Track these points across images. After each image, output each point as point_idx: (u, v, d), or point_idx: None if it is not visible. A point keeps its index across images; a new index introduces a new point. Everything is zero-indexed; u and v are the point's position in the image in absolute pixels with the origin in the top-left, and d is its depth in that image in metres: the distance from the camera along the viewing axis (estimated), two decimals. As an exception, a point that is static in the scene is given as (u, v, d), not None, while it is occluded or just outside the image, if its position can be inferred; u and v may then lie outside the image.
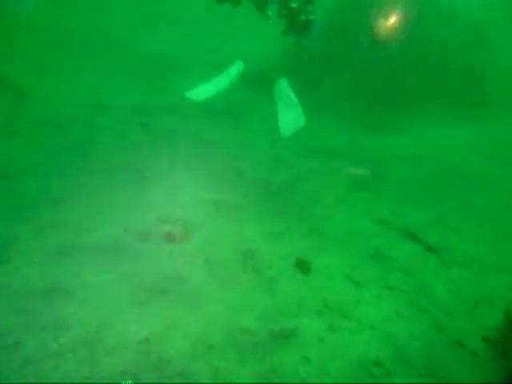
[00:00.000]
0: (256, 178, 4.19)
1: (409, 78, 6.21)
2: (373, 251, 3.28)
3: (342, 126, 5.77)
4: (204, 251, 3.04)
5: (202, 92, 5.34)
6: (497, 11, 6.86)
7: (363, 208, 3.87)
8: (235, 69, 5.53)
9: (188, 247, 3.07)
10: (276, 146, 4.96)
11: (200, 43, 8.73)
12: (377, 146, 5.34)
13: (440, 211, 3.85)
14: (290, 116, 5.02)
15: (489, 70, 6.56)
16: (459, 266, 3.16)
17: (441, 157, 5.04)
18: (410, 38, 6.09)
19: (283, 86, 5.10)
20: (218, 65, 5.89)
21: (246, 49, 7.98)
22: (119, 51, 7.39)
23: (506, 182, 4.33)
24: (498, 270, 3.14)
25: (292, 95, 5.06)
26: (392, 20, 5.88)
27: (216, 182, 3.96)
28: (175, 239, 3.10)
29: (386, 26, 5.90)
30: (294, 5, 4.15)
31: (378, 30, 6.05)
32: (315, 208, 3.82)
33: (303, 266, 2.94)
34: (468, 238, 3.50)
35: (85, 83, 5.93)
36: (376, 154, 5.08)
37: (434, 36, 6.25)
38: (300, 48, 6.00)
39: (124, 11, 8.94)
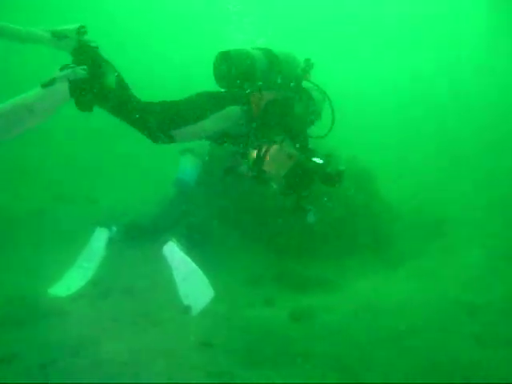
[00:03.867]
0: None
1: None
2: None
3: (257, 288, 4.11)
4: None
5: (68, 284, 3.51)
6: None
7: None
8: (98, 241, 3.79)
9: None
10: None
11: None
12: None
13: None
14: (193, 288, 3.49)
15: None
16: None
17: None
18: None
19: (174, 250, 3.59)
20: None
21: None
22: None
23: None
24: None
25: (186, 259, 3.58)
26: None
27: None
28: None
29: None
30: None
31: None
32: None
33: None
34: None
35: None
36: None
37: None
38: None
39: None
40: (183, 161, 4.93)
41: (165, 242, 3.69)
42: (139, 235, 4.44)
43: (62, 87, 2.38)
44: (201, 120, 3.00)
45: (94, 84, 2.49)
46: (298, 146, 3.31)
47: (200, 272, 3.56)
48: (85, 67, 2.45)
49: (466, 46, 13.03)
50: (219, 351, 2.80)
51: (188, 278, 3.58)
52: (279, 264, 4.62)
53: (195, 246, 3.95)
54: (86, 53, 2.54)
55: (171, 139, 2.95)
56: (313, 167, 3.21)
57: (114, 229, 3.93)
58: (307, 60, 3.42)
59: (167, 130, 2.87)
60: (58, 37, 2.50)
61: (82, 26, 2.56)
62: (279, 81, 3.27)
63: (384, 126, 9.95)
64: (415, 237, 5.09)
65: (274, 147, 3.27)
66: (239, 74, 3.15)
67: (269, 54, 3.31)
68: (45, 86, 2.33)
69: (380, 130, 9.48)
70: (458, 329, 3.07)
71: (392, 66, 13.72)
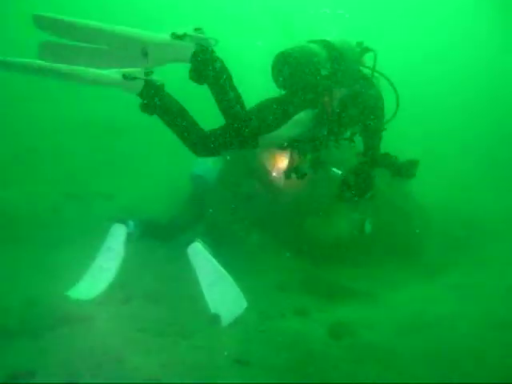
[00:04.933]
0: None
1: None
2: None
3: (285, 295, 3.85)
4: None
5: (89, 287, 3.26)
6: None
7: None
8: (116, 238, 3.49)
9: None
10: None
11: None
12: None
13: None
14: (222, 296, 3.22)
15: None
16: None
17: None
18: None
19: (199, 252, 3.31)
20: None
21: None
22: None
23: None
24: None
25: (215, 264, 3.29)
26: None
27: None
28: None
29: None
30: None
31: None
32: None
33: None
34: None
35: None
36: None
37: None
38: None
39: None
40: (205, 158, 4.66)
41: (189, 243, 3.42)
42: (158, 232, 4.18)
43: (137, 85, 2.57)
44: (278, 127, 2.87)
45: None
46: (370, 143, 3.05)
47: (230, 278, 3.31)
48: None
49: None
50: (256, 370, 2.55)
51: (216, 283, 3.32)
52: (305, 270, 4.38)
53: (218, 247, 3.71)
54: (153, 92, 2.64)
55: (256, 146, 2.86)
56: (382, 161, 2.96)
57: (132, 223, 3.64)
58: (359, 43, 3.14)
59: (256, 136, 2.79)
60: (128, 78, 2.54)
61: (148, 68, 2.65)
62: (342, 72, 2.99)
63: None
64: (449, 245, 4.84)
65: None
66: (304, 73, 2.88)
67: (327, 46, 3.03)
68: (126, 78, 2.49)
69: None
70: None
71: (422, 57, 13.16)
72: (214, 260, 3.34)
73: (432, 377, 2.53)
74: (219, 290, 3.28)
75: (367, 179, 3.06)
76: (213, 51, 2.56)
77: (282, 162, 4.13)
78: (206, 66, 2.53)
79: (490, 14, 12.31)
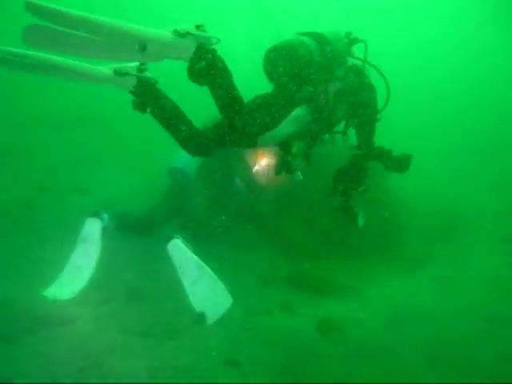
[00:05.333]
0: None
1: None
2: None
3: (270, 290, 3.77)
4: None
5: (67, 286, 3.09)
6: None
7: None
8: (90, 233, 3.29)
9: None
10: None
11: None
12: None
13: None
14: (206, 293, 3.09)
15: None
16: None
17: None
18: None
19: (179, 249, 3.15)
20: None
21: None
22: None
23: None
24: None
25: (197, 261, 3.14)
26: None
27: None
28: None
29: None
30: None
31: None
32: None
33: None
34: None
35: None
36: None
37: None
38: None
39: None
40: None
41: (168, 239, 3.28)
42: (135, 225, 4.01)
43: (129, 82, 2.53)
44: (276, 125, 2.82)
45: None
46: (364, 136, 3.00)
47: (213, 274, 3.20)
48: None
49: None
50: (247, 371, 2.47)
51: (198, 280, 3.21)
52: (288, 264, 4.32)
53: (199, 243, 3.60)
54: (145, 89, 2.59)
55: (255, 144, 2.84)
56: (377, 154, 2.92)
57: (106, 216, 3.47)
58: (348, 34, 3.06)
59: (255, 135, 2.76)
60: (119, 74, 2.50)
61: (142, 63, 2.58)
62: (333, 64, 2.91)
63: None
64: (429, 238, 4.87)
65: None
66: (297, 67, 2.79)
67: (317, 38, 2.94)
68: (117, 74, 2.46)
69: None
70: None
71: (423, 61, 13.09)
72: (194, 256, 3.22)
73: (425, 371, 2.52)
74: (202, 287, 3.17)
75: (361, 172, 3.02)
76: (215, 50, 2.47)
77: (265, 159, 4.06)
78: (208, 67, 2.44)
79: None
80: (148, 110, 2.63)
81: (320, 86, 2.87)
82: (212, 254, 3.75)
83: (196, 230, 4.14)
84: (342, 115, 3.07)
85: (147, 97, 2.57)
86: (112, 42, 2.28)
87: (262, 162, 4.18)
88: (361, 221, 3.07)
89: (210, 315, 3.05)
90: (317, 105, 2.91)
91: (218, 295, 3.17)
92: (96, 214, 3.42)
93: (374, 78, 3.18)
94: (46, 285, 3.08)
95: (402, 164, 2.95)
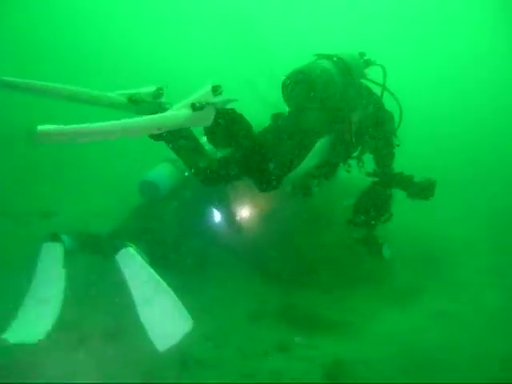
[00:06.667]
0: None
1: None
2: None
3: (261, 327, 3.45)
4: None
5: (31, 326, 2.65)
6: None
7: None
8: (50, 259, 2.84)
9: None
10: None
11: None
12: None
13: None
14: (162, 314, 2.68)
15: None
16: None
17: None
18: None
19: (132, 258, 2.76)
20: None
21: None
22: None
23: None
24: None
25: (152, 274, 2.75)
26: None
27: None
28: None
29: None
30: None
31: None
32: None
33: None
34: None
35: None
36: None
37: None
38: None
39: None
40: (161, 167, 4.09)
41: (118, 248, 2.79)
42: (101, 245, 3.47)
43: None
44: (300, 162, 2.65)
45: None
46: (384, 162, 2.78)
47: (171, 292, 2.71)
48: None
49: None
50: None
51: (154, 299, 2.69)
52: (276, 296, 3.98)
53: (169, 268, 3.17)
54: None
55: (279, 185, 2.60)
56: (399, 182, 2.69)
57: (67, 238, 2.99)
58: (362, 54, 2.87)
59: (280, 178, 2.54)
60: (135, 102, 2.37)
61: (159, 88, 2.45)
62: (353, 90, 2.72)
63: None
64: (417, 268, 4.68)
65: None
66: (320, 94, 2.58)
67: (338, 63, 2.73)
68: (132, 102, 2.31)
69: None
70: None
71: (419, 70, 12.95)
72: (150, 268, 2.76)
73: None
74: (157, 306, 2.68)
75: (383, 200, 2.78)
76: (234, 111, 2.28)
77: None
78: (230, 131, 2.28)
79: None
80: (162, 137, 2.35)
81: (343, 115, 2.67)
82: (185, 281, 3.40)
83: (165, 252, 3.72)
84: (365, 144, 2.88)
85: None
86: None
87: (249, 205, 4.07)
88: (386, 252, 2.81)
89: (163, 340, 2.58)
90: (339, 136, 2.70)
91: (176, 317, 2.68)
92: (54, 238, 2.94)
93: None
94: (7, 326, 2.58)
95: (425, 190, 2.73)
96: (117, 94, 2.39)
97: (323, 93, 2.59)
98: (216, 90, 2.18)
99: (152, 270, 2.74)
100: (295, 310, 3.74)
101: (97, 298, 3.09)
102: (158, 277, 2.73)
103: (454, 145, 8.44)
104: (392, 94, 2.93)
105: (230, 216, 4.16)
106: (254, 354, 2.93)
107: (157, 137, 2.36)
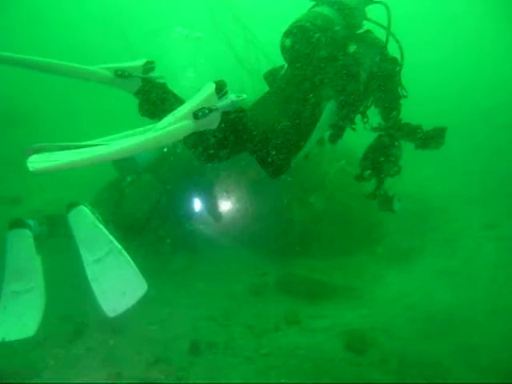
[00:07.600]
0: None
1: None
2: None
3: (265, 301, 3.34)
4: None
5: (19, 321, 2.41)
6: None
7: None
8: (19, 248, 2.54)
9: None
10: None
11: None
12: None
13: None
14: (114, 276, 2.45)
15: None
16: None
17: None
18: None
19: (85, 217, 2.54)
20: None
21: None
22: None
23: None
24: None
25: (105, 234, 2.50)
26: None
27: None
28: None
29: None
30: None
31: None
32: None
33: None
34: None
35: None
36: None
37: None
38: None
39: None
40: None
41: (72, 206, 2.52)
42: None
43: (134, 83, 2.16)
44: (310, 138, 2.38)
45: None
46: (391, 113, 2.53)
47: (125, 253, 2.43)
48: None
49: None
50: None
51: (105, 259, 2.43)
52: (274, 268, 3.79)
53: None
54: (153, 92, 2.19)
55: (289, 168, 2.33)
56: (407, 132, 2.47)
57: (33, 222, 2.64)
58: None
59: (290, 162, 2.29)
60: (122, 76, 2.12)
61: (149, 62, 2.23)
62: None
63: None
64: (410, 227, 4.58)
65: None
66: (323, 49, 2.32)
67: (341, 8, 2.43)
68: (118, 76, 2.09)
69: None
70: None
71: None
72: (103, 228, 2.50)
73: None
74: (109, 267, 2.42)
75: (391, 152, 2.56)
76: (242, 110, 2.02)
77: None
78: (239, 130, 2.04)
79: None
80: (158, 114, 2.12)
81: (355, 78, 2.39)
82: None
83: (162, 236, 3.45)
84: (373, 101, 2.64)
85: (154, 99, 2.15)
86: None
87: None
88: (397, 205, 2.62)
89: (116, 305, 2.32)
90: (347, 100, 2.42)
91: (129, 279, 2.40)
92: (20, 223, 2.57)
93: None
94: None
95: (435, 139, 2.53)
96: (102, 68, 2.12)
97: (325, 46, 2.30)
98: (221, 89, 1.91)
99: (105, 230, 2.47)
100: (296, 278, 3.57)
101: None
102: (111, 237, 2.46)
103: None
104: (397, 41, 2.65)
105: (214, 202, 3.95)
106: (265, 331, 2.74)
107: (151, 114, 2.17)
